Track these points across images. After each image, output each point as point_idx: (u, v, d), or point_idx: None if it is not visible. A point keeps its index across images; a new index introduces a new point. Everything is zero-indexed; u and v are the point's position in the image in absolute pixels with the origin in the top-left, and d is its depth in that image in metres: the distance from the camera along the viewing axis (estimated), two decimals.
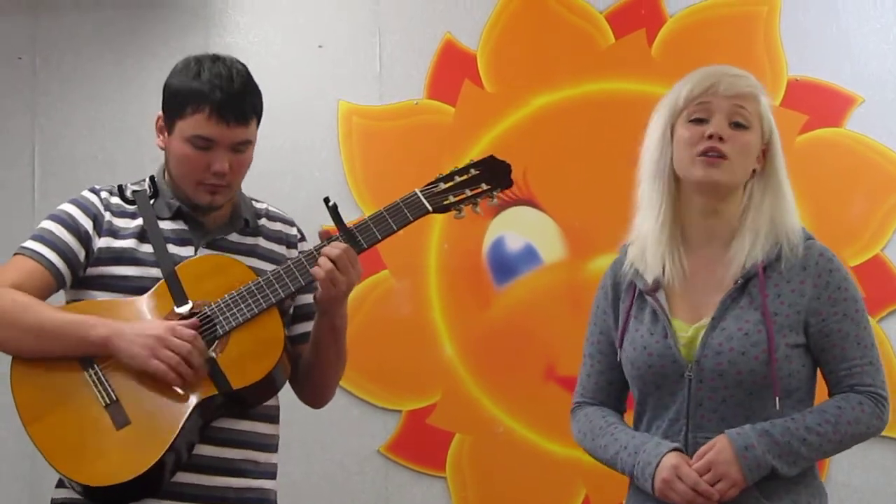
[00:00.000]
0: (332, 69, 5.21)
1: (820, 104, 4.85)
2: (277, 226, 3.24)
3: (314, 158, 5.13)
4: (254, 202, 3.25)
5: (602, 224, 4.71)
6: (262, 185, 3.25)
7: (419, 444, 4.96)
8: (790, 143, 4.78)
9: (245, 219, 3.16)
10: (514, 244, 5.00)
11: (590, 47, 5.06)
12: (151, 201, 3.10)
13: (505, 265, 5.00)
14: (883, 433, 4.39)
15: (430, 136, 5.06)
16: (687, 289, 2.93)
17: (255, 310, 2.94)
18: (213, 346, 2.92)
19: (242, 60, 3.15)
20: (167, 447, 2.83)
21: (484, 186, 3.08)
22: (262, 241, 3.17)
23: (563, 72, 5.05)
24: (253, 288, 2.95)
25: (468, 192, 3.06)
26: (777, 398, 2.79)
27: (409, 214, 3.02)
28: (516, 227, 5.01)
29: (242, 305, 2.94)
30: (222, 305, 2.94)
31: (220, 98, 2.98)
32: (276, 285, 2.96)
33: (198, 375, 2.87)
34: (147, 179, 3.17)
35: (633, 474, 2.87)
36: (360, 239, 2.99)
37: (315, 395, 3.24)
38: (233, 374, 2.89)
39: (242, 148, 3.04)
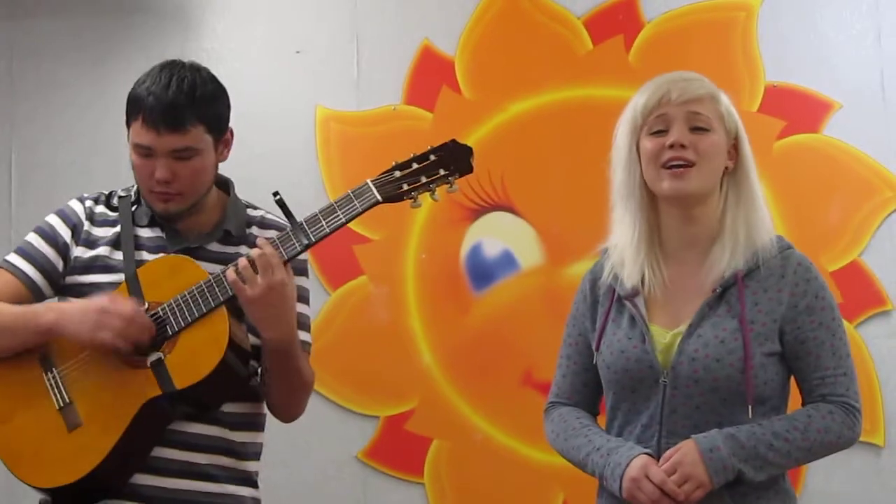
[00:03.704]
0: (309, 75, 5.20)
1: (797, 110, 4.86)
2: (270, 233, 3.14)
3: (292, 164, 5.11)
4: (249, 210, 3.21)
5: (580, 230, 4.71)
6: (240, 192, 3.23)
7: (397, 450, 4.96)
8: (768, 148, 4.80)
9: (227, 230, 3.12)
10: (492, 250, 5.00)
11: (567, 53, 5.06)
12: (133, 208, 3.13)
13: (483, 271, 5.00)
14: (860, 439, 4.50)
15: (408, 142, 4.96)
16: (667, 296, 2.93)
17: (204, 309, 2.91)
18: (163, 347, 2.91)
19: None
20: (110, 449, 2.85)
21: (441, 172, 2.95)
22: (243, 250, 3.10)
23: (540, 78, 5.05)
24: (203, 287, 2.91)
25: (423, 180, 2.93)
26: (750, 406, 2.79)
27: (358, 205, 2.91)
28: (494, 233, 5.01)
29: (193, 305, 2.91)
30: (173, 306, 2.92)
31: (150, 105, 2.95)
32: (226, 284, 2.91)
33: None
34: (134, 185, 3.17)
35: (602, 476, 2.86)
36: (309, 232, 2.91)
37: (279, 412, 3.20)
38: (178, 373, 2.88)
39: (185, 155, 2.98)
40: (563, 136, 4.96)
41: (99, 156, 5.21)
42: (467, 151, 2.97)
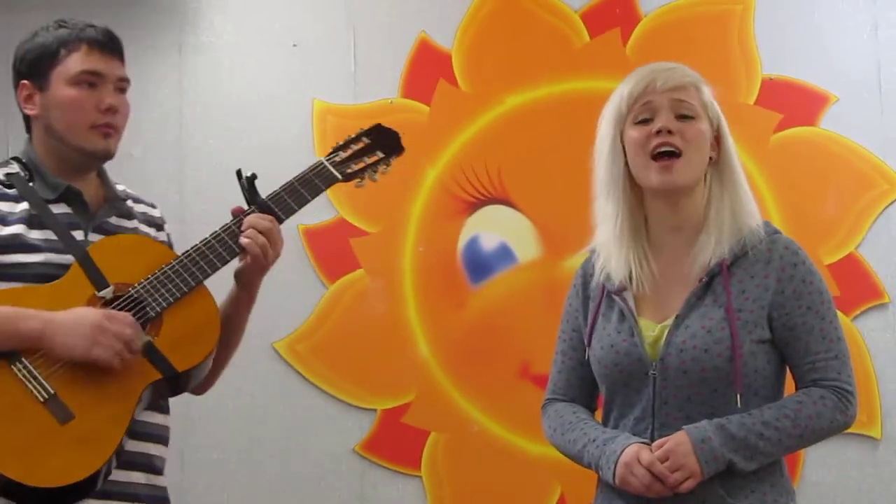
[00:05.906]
0: (306, 68, 5.20)
1: (794, 103, 4.87)
2: (142, 208, 3.10)
3: (289, 157, 5.08)
4: (115, 184, 3.08)
5: (577, 222, 4.64)
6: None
7: (395, 443, 4.96)
8: (764, 141, 4.80)
9: (122, 199, 3.03)
10: (489, 243, 5.01)
11: (565, 46, 5.07)
12: (30, 184, 2.92)
13: (480, 264, 5.00)
14: (856, 431, 4.53)
15: (405, 135, 5.02)
16: (655, 288, 2.92)
17: (185, 288, 2.82)
18: (146, 329, 2.78)
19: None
20: (121, 439, 2.71)
21: (379, 155, 3.11)
22: (138, 224, 3.03)
23: (537, 71, 5.06)
24: (177, 266, 2.83)
25: (367, 161, 3.09)
26: (738, 395, 2.78)
27: (320, 184, 3.00)
28: (491, 226, 5.01)
29: (171, 285, 2.81)
30: (148, 286, 2.80)
31: (93, 34, 2.96)
32: (202, 262, 2.85)
33: (136, 360, 2.74)
34: (13, 162, 2.99)
35: (598, 466, 2.85)
36: (276, 211, 2.91)
37: (212, 378, 3.05)
38: (174, 356, 2.78)
39: (123, 86, 2.98)
40: (560, 130, 4.96)
41: None
42: (395, 135, 3.15)
